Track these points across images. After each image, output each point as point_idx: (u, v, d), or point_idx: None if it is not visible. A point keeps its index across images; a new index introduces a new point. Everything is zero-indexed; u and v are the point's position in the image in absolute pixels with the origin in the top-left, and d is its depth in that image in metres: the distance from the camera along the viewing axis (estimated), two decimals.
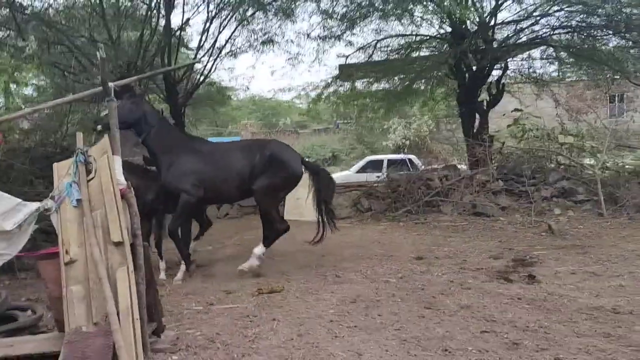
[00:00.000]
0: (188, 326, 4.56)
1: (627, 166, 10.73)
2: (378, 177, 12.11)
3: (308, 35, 12.84)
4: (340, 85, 15.98)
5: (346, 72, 15.22)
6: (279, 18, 12.40)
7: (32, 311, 4.45)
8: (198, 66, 12.41)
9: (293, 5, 12.01)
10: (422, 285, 5.56)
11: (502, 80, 13.66)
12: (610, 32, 11.65)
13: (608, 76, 13.30)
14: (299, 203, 10.27)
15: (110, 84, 3.82)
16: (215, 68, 12.83)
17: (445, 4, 10.55)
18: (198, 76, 12.00)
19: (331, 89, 15.71)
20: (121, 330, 3.38)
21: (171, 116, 11.38)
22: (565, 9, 11.59)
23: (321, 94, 15.63)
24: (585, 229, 8.35)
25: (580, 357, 3.67)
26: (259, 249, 6.54)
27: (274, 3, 11.80)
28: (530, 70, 14.81)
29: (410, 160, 17.67)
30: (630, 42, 11.82)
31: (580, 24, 12.06)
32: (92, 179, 3.84)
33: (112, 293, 3.47)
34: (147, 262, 3.94)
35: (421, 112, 27.42)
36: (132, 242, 3.71)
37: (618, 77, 12.66)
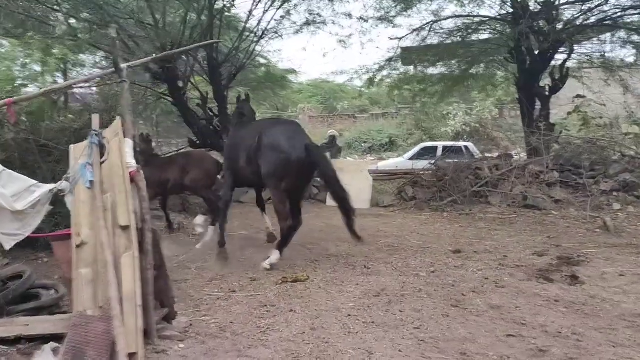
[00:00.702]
0: (204, 313, 4.52)
1: None
2: (431, 164, 11.70)
3: (361, 18, 12.48)
4: (395, 69, 15.55)
5: (407, 56, 14.80)
6: None
7: (55, 290, 4.53)
8: (244, 47, 12.26)
9: None
10: (453, 282, 5.28)
11: (567, 65, 12.81)
12: None
13: None
14: None
15: (123, 65, 3.77)
16: (262, 49, 12.77)
17: None
18: (242, 58, 11.92)
19: (385, 72, 15.31)
20: (124, 316, 3.36)
21: (214, 99, 11.43)
22: None
23: (374, 78, 15.25)
24: None
25: None
26: (275, 255, 6.06)
27: None
28: (599, 54, 13.82)
29: (466, 147, 17.06)
30: None
31: None
32: (104, 161, 3.82)
33: (118, 278, 3.45)
34: (157, 247, 3.91)
35: (483, 98, 26.40)
36: (141, 226, 3.67)
37: None
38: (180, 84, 11.13)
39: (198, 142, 11.27)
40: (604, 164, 9.72)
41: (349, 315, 4.36)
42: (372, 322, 4.20)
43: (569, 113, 11.40)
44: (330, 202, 10.48)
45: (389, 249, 6.82)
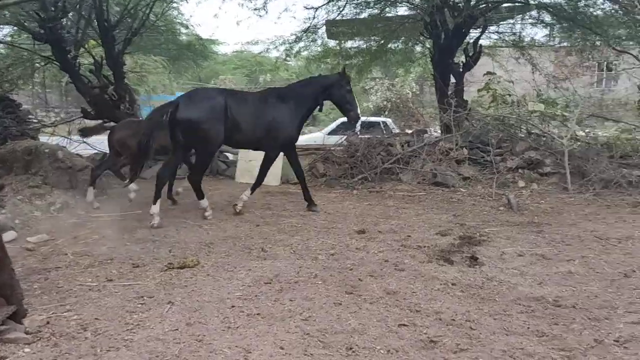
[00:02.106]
0: (69, 308, 3.96)
1: (599, 138, 10.13)
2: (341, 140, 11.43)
3: None
4: (313, 40, 15.08)
5: (332, 29, 14.33)
6: None
7: None
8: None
9: None
10: (352, 265, 5.00)
11: (480, 42, 12.87)
12: None
13: (591, 41, 12.56)
14: (251, 165, 9.63)
15: None
16: (162, 13, 11.89)
17: None
18: (138, 21, 10.99)
19: (302, 44, 14.81)
20: None
21: (108, 65, 10.52)
22: None
23: (291, 49, 14.72)
24: (546, 204, 7.81)
25: None
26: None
27: None
28: (511, 32, 14.02)
29: (385, 123, 17.00)
30: (621, 8, 11.04)
31: None
32: None
33: None
34: None
35: (405, 73, 26.53)
36: None
37: (599, 42, 11.93)
38: (69, 47, 10.08)
39: (92, 112, 10.36)
40: (511, 141, 9.82)
41: (233, 306, 3.97)
42: (258, 314, 3.83)
43: (479, 90, 11.46)
44: (240, 178, 10.00)
45: (291, 229, 6.46)
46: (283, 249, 5.58)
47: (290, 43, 14.08)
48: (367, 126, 15.14)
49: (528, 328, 3.62)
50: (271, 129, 7.05)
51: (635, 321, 3.67)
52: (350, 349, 3.32)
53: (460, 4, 11.58)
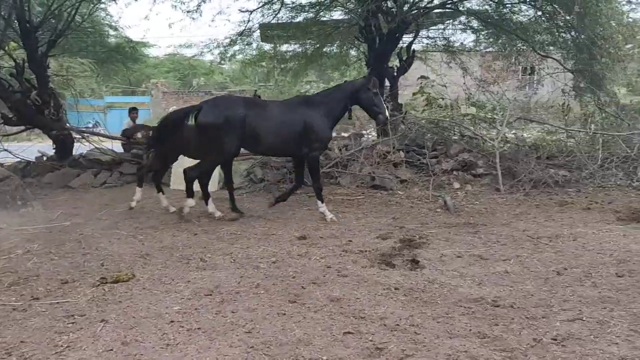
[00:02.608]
0: None
1: (527, 139, 10.57)
2: None
3: None
4: (248, 44, 14.91)
5: (266, 32, 14.17)
6: None
7: None
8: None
9: None
10: (294, 272, 4.92)
11: (413, 47, 13.14)
12: (526, 2, 11.35)
13: (517, 46, 13.10)
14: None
15: None
16: (89, 14, 11.38)
17: None
18: (63, 22, 10.46)
19: (237, 47, 14.59)
20: None
21: (30, 69, 9.96)
22: None
23: (225, 52, 14.48)
24: (480, 205, 8.04)
25: None
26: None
27: None
28: (442, 37, 14.42)
29: None
30: (538, 11, 11.57)
31: None
32: None
33: None
34: None
35: (340, 77, 26.75)
36: None
37: (524, 47, 12.46)
38: None
39: (14, 118, 9.76)
40: (445, 143, 10.06)
41: (172, 321, 3.79)
42: (198, 329, 3.68)
43: (414, 94, 11.69)
44: (175, 184, 9.69)
45: (231, 237, 6.30)
46: (223, 258, 5.42)
47: (224, 46, 13.85)
48: None
49: (470, 330, 3.67)
50: (306, 134, 7.07)
51: (571, 319, 3.79)
52: None
53: (394, 10, 11.77)
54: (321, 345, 3.45)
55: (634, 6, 10.40)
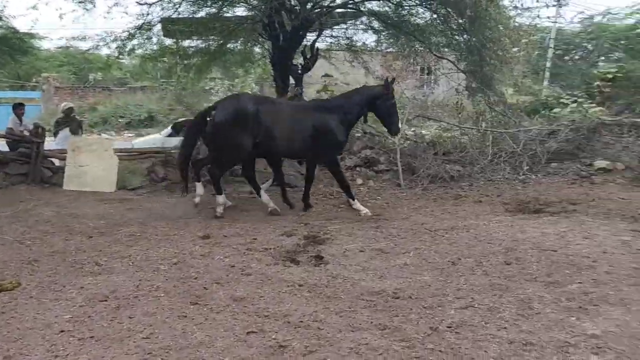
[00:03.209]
0: None
1: (426, 136, 11.04)
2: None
3: None
4: (148, 38, 14.29)
5: (169, 27, 13.61)
6: None
7: None
8: None
9: None
10: (196, 273, 4.79)
11: (317, 45, 13.26)
12: (416, 1, 11.81)
13: (415, 47, 13.61)
14: (81, 171, 8.86)
15: None
16: None
17: None
18: None
19: (136, 42, 13.94)
20: None
21: None
22: None
23: (124, 46, 13.78)
24: (382, 200, 8.29)
25: None
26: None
27: None
28: (345, 37, 14.67)
29: None
30: (434, 14, 12.10)
31: None
32: None
33: None
34: None
35: (245, 74, 26.50)
36: None
37: (422, 48, 12.99)
38: None
39: None
40: (349, 140, 10.23)
41: (62, 331, 3.57)
42: (91, 337, 3.48)
43: (318, 91, 11.83)
44: (68, 185, 9.13)
45: (129, 239, 6.02)
46: (120, 261, 5.17)
47: (122, 40, 13.16)
48: None
49: (372, 322, 3.75)
50: (320, 138, 7.16)
51: (464, 306, 3.99)
52: None
53: (297, 8, 11.81)
54: (223, 346, 3.39)
55: (519, 11, 11.16)
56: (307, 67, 12.88)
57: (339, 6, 12.41)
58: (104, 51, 16.45)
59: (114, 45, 13.73)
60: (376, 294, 4.30)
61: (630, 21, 19.13)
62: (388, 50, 15.63)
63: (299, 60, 13.61)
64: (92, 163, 8.98)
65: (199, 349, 3.33)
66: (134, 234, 6.24)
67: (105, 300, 4.12)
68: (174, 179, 8.92)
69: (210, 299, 4.17)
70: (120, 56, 14.67)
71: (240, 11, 13.93)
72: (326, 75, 12.28)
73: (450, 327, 3.65)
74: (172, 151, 9.33)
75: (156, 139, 16.20)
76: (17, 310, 3.93)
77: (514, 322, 3.71)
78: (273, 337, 3.53)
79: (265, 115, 6.91)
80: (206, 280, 4.60)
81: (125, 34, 13.21)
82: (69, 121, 10.63)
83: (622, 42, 21.10)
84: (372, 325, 3.71)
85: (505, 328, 3.62)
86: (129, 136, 23.50)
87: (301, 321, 3.78)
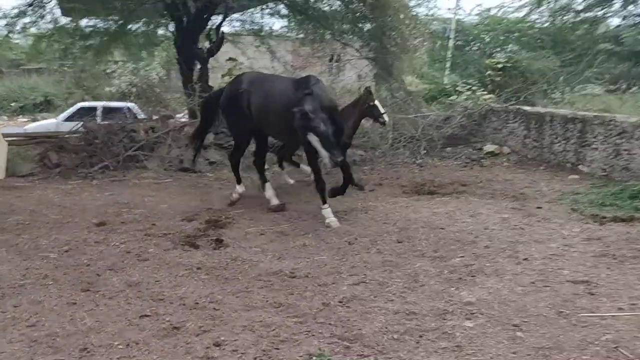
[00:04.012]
0: None
1: None
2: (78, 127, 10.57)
3: None
4: (41, 16, 13.41)
5: (68, 5, 12.77)
6: None
7: None
8: None
9: None
10: (89, 260, 4.67)
11: (222, 29, 13.06)
12: None
13: (320, 34, 13.76)
14: None
15: None
16: None
17: None
18: None
19: (27, 20, 13.04)
20: None
21: None
22: None
23: (14, 24, 12.85)
24: (288, 185, 8.36)
25: (242, 336, 3.30)
26: None
27: None
28: (251, 21, 14.56)
29: (129, 108, 16.10)
30: (343, 3, 12.32)
31: None
32: None
33: None
34: None
35: (150, 57, 25.52)
36: None
37: (328, 35, 13.17)
38: None
39: None
40: None
41: None
42: None
43: (223, 75, 11.69)
44: None
45: (17, 227, 5.71)
46: (6, 250, 4.91)
47: (12, 17, 12.29)
48: (109, 112, 14.25)
49: (267, 301, 3.85)
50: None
51: (356, 282, 4.19)
52: (85, 349, 3.11)
53: None
54: (114, 331, 3.35)
55: (419, 1, 11.65)
56: (211, 51, 12.68)
57: None
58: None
59: (2, 22, 12.81)
60: (273, 274, 4.40)
61: (521, 14, 20.39)
62: (297, 36, 15.71)
63: (204, 43, 13.36)
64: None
65: (87, 335, 3.28)
66: (22, 222, 5.93)
67: None
68: (68, 165, 8.52)
69: (103, 286, 4.09)
70: (10, 35, 13.66)
71: None
72: (231, 59, 12.14)
73: (341, 302, 3.82)
74: (66, 136, 8.90)
75: (51, 123, 15.36)
76: None
77: (400, 294, 3.95)
78: (167, 319, 3.53)
79: (253, 96, 6.57)
80: (99, 267, 4.50)
81: (15, 10, 12.36)
82: None
83: (515, 34, 22.49)
84: (267, 304, 3.80)
85: (392, 300, 3.84)
86: (23, 121, 22.05)
87: (197, 303, 3.81)
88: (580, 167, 8.41)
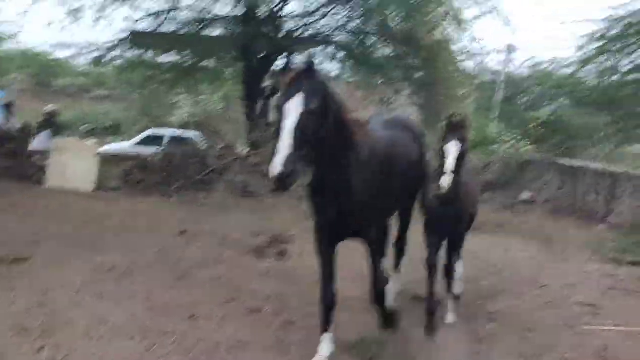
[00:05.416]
0: None
1: None
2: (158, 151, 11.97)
3: None
4: (127, 50, 15.12)
5: (138, 39, 14.45)
6: None
7: None
8: None
9: None
10: (177, 259, 5.70)
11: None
12: (379, 39, 13.13)
13: (375, 80, 14.91)
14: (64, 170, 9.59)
15: None
16: None
17: None
18: None
19: (116, 53, 14.76)
20: None
21: None
22: (345, 14, 12.77)
23: (104, 57, 14.58)
24: None
25: (307, 320, 4.18)
26: None
27: None
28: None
29: (192, 138, 17.53)
30: (394, 52, 13.46)
31: (356, 28, 13.36)
32: None
33: None
34: None
35: (212, 91, 27.26)
36: None
37: (381, 81, 14.28)
38: None
39: None
40: None
41: (79, 291, 4.42)
42: (103, 295, 4.36)
43: None
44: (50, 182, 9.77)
45: (116, 229, 6.83)
46: (113, 244, 5.98)
47: (104, 51, 14.00)
48: (175, 140, 15.62)
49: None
50: None
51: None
52: (193, 315, 4.10)
53: (271, 35, 12.95)
54: (210, 307, 4.33)
55: (465, 57, 12.65)
56: (275, 90, 13.97)
57: (310, 37, 13.62)
58: (82, 60, 17.07)
59: (94, 54, 14.54)
60: None
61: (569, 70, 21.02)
62: (351, 80, 16.91)
63: (268, 82, 14.68)
64: (74, 162, 9.68)
65: (191, 308, 4.27)
66: (118, 226, 7.06)
67: (110, 271, 4.99)
68: (149, 183, 9.76)
69: (193, 277, 5.14)
70: (99, 66, 15.36)
71: (218, 32, 14.93)
72: None
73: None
74: (150, 158, 10.21)
75: (122, 147, 16.93)
76: (35, 275, 4.74)
77: None
78: (247, 305, 4.51)
79: None
80: (187, 264, 5.51)
81: (108, 45, 14.05)
82: (52, 124, 11.31)
83: (565, 88, 23.10)
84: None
85: None
86: (94, 143, 23.86)
87: (268, 296, 4.77)
88: (608, 218, 9.08)
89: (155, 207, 8.53)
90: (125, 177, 10.02)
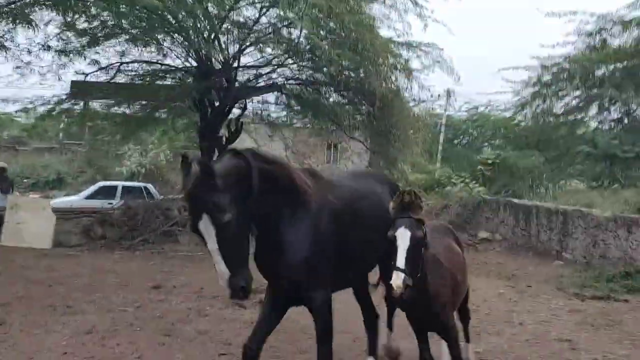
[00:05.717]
0: None
1: None
2: (110, 204, 11.76)
3: (44, 46, 11.64)
4: (76, 104, 14.93)
5: (81, 89, 14.28)
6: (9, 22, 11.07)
7: None
8: None
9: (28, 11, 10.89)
10: (160, 314, 5.63)
11: (241, 119, 14.56)
12: (332, 88, 13.59)
13: (329, 127, 15.33)
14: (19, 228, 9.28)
15: None
16: None
17: (193, 38, 10.96)
18: None
19: (65, 106, 14.53)
20: None
21: None
22: (298, 63, 13.18)
23: (52, 110, 14.32)
24: None
25: None
26: None
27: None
28: (265, 113, 16.15)
29: (146, 188, 17.27)
30: (347, 100, 13.96)
31: (309, 78, 13.79)
32: None
33: None
34: None
35: (160, 141, 27.03)
36: None
37: (335, 128, 14.70)
38: None
39: None
40: None
41: (65, 353, 4.30)
42: (92, 357, 4.26)
43: None
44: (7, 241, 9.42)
45: (86, 288, 6.67)
46: (87, 304, 5.85)
47: (53, 104, 13.80)
48: (127, 191, 15.38)
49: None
50: None
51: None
52: None
53: (226, 85, 13.16)
54: None
55: (416, 103, 13.27)
56: (231, 139, 14.09)
57: (263, 87, 13.94)
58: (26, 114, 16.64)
59: (41, 108, 14.29)
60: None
61: (507, 114, 22.23)
62: (306, 127, 17.30)
63: (224, 132, 14.79)
64: (29, 220, 9.40)
65: None
66: (88, 284, 6.89)
67: (90, 333, 4.86)
68: (112, 237, 9.55)
69: (180, 333, 5.05)
70: (47, 119, 15.04)
71: (170, 82, 15.01)
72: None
73: None
74: (110, 211, 10.00)
75: (72, 200, 16.42)
76: (15, 339, 4.58)
77: None
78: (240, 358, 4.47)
79: None
80: (171, 319, 5.46)
81: (56, 98, 13.86)
82: (4, 179, 10.91)
83: (502, 130, 24.39)
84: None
85: None
86: (37, 197, 23.03)
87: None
88: (563, 254, 9.57)
89: (122, 262, 8.34)
90: (86, 232, 9.76)
